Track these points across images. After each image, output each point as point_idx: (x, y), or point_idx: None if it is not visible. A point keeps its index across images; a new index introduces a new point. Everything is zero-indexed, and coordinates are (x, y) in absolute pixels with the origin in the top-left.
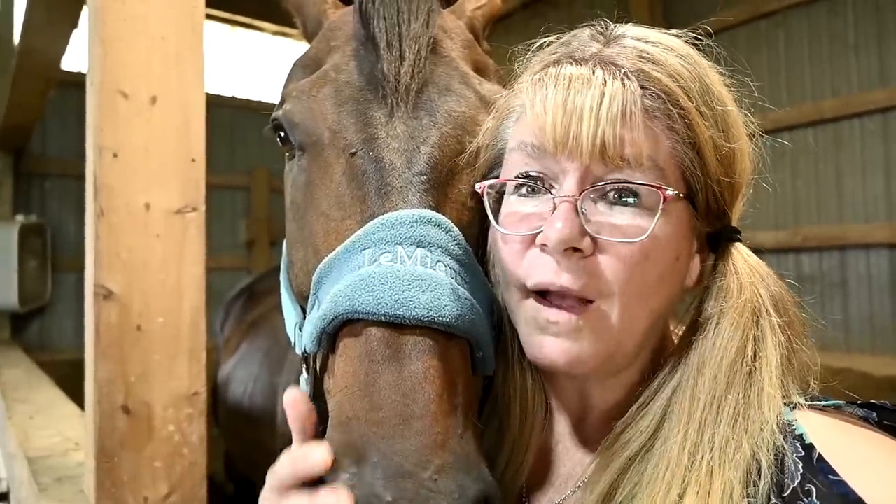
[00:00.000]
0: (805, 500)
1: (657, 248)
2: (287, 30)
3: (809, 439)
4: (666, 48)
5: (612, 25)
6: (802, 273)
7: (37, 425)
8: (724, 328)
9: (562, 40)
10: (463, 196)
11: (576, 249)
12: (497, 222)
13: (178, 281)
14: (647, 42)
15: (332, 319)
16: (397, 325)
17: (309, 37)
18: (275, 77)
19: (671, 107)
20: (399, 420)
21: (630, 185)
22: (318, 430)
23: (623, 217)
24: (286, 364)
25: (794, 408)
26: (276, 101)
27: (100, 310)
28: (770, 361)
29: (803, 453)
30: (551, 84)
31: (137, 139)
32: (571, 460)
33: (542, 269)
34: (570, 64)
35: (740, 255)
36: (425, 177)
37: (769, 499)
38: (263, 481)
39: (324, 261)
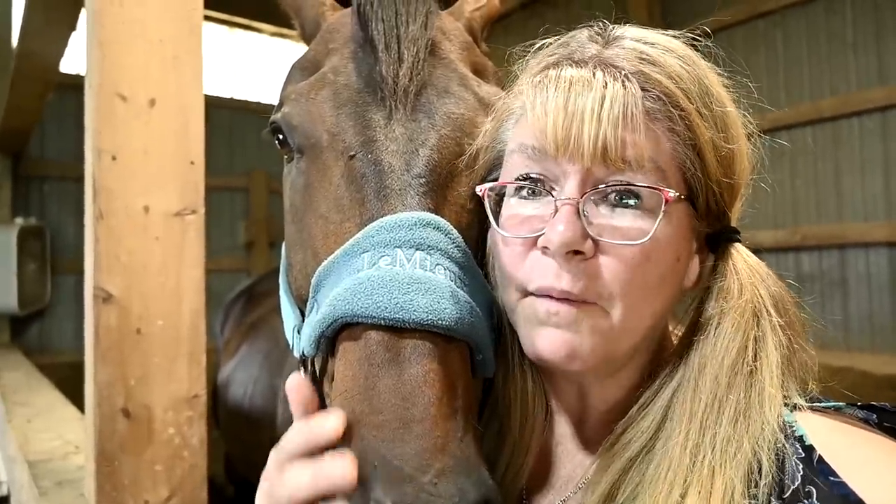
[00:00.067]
0: (806, 501)
1: (658, 249)
2: (285, 31)
3: (810, 441)
4: (665, 49)
5: (611, 26)
6: (802, 272)
7: (37, 428)
8: (725, 329)
9: (560, 41)
10: (462, 198)
11: (577, 252)
12: (497, 224)
13: (177, 283)
14: (646, 43)
15: (331, 323)
16: (397, 329)
17: (307, 39)
18: (273, 78)
19: (672, 108)
20: (399, 424)
21: (632, 188)
22: None
23: (624, 219)
24: (286, 366)
25: (794, 409)
26: (275, 102)
27: (99, 313)
28: (771, 361)
29: (804, 455)
30: (552, 86)
31: (136, 142)
32: (572, 462)
33: (544, 273)
34: (570, 66)
35: (740, 255)
36: (424, 179)
37: (770, 500)
38: None
39: (323, 264)
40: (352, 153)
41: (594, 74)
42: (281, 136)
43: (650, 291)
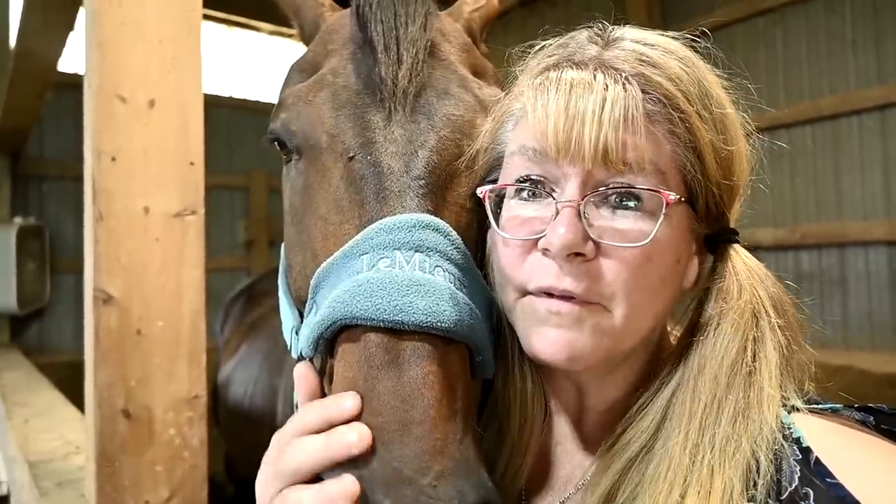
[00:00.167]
0: (803, 503)
1: (659, 251)
2: (283, 29)
3: (807, 442)
4: (665, 51)
5: (610, 27)
6: (801, 270)
7: (37, 428)
8: (724, 329)
9: (559, 42)
10: (461, 200)
11: (578, 254)
12: (498, 226)
13: (177, 284)
14: (645, 45)
15: (330, 325)
16: (396, 331)
17: (306, 40)
18: (272, 77)
19: (672, 111)
20: (398, 426)
21: (633, 190)
22: None
23: (625, 221)
24: (286, 366)
25: (791, 411)
26: (274, 100)
27: (99, 314)
28: (770, 362)
29: (801, 456)
30: (552, 88)
31: (136, 143)
32: (571, 462)
33: (544, 274)
34: (571, 68)
35: (739, 256)
36: (424, 181)
37: (768, 500)
38: None
39: (322, 265)
40: (351, 155)
41: (595, 77)
42: (279, 143)
43: (651, 292)
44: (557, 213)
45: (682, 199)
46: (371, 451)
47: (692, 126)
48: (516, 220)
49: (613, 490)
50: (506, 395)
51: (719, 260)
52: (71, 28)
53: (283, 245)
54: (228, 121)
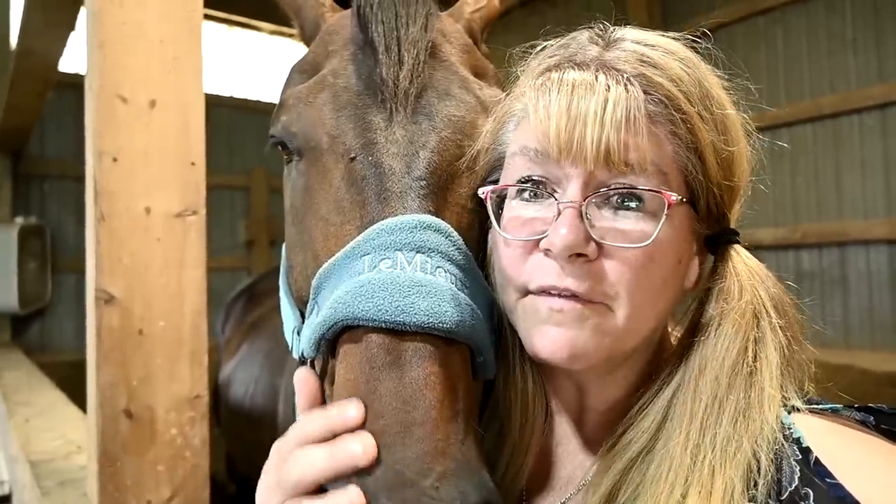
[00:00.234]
0: (803, 503)
1: (660, 251)
2: (284, 29)
3: (807, 442)
4: (666, 52)
5: (611, 28)
6: (802, 270)
7: (38, 428)
8: (725, 330)
9: (560, 42)
10: (463, 200)
11: (580, 255)
12: (499, 226)
13: (179, 284)
14: (646, 45)
15: (332, 326)
16: (398, 332)
17: (307, 40)
18: (273, 76)
19: (673, 112)
20: (400, 427)
21: (634, 191)
22: None
23: (627, 222)
24: (287, 365)
25: (791, 411)
26: (275, 100)
27: (101, 314)
28: (771, 362)
29: (801, 456)
30: (554, 89)
31: (137, 143)
32: (572, 463)
33: (546, 273)
34: (572, 68)
35: (739, 257)
36: (425, 182)
37: (768, 500)
38: None
39: (323, 266)
40: (352, 155)
41: (596, 77)
42: (281, 145)
43: (653, 293)
44: (559, 213)
45: (684, 199)
46: (374, 458)
47: (693, 127)
48: (518, 220)
49: (614, 490)
50: (507, 395)
51: (720, 260)
52: (72, 28)
53: (284, 245)
54: (229, 121)
